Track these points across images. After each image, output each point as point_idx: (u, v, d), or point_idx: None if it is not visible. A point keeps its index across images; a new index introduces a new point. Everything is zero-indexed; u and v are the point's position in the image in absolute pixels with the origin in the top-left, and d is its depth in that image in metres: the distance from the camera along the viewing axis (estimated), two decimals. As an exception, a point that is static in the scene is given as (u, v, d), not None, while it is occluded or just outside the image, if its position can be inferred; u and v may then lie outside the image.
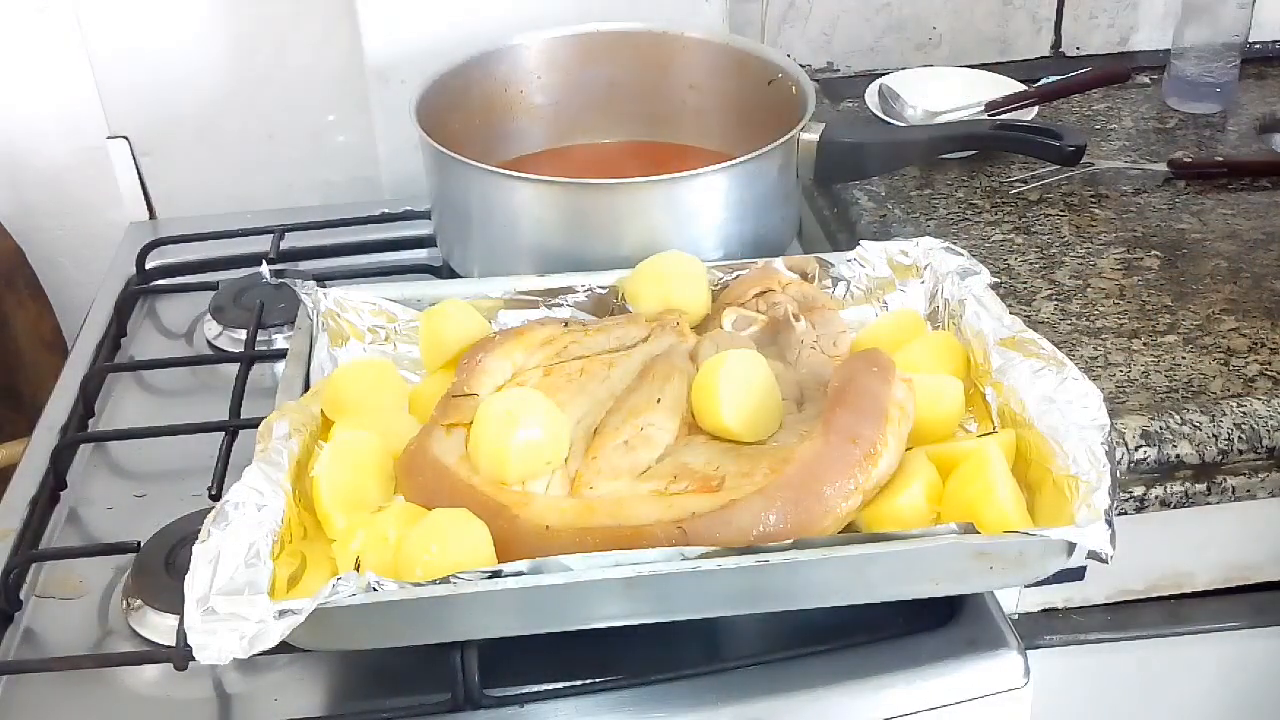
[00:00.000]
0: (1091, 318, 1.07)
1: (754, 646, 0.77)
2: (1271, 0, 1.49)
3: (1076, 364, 0.80)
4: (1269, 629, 1.07)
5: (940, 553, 0.69)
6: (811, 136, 1.06)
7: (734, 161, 1.01)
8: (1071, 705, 1.10)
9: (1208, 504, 0.96)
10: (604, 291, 0.98)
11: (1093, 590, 1.05)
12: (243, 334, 1.07)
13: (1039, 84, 1.40)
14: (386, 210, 1.25)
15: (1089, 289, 1.10)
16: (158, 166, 1.31)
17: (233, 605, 0.65)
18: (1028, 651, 0.78)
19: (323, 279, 1.04)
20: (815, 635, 0.77)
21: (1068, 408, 0.77)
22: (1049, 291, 1.10)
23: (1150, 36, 1.52)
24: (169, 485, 0.93)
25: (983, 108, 1.35)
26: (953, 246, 0.96)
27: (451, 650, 0.72)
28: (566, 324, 0.92)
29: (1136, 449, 0.93)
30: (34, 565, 0.86)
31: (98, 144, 1.28)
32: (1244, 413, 0.95)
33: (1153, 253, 1.16)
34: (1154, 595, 1.06)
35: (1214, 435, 0.94)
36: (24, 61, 1.23)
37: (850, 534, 0.73)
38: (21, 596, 0.84)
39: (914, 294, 0.97)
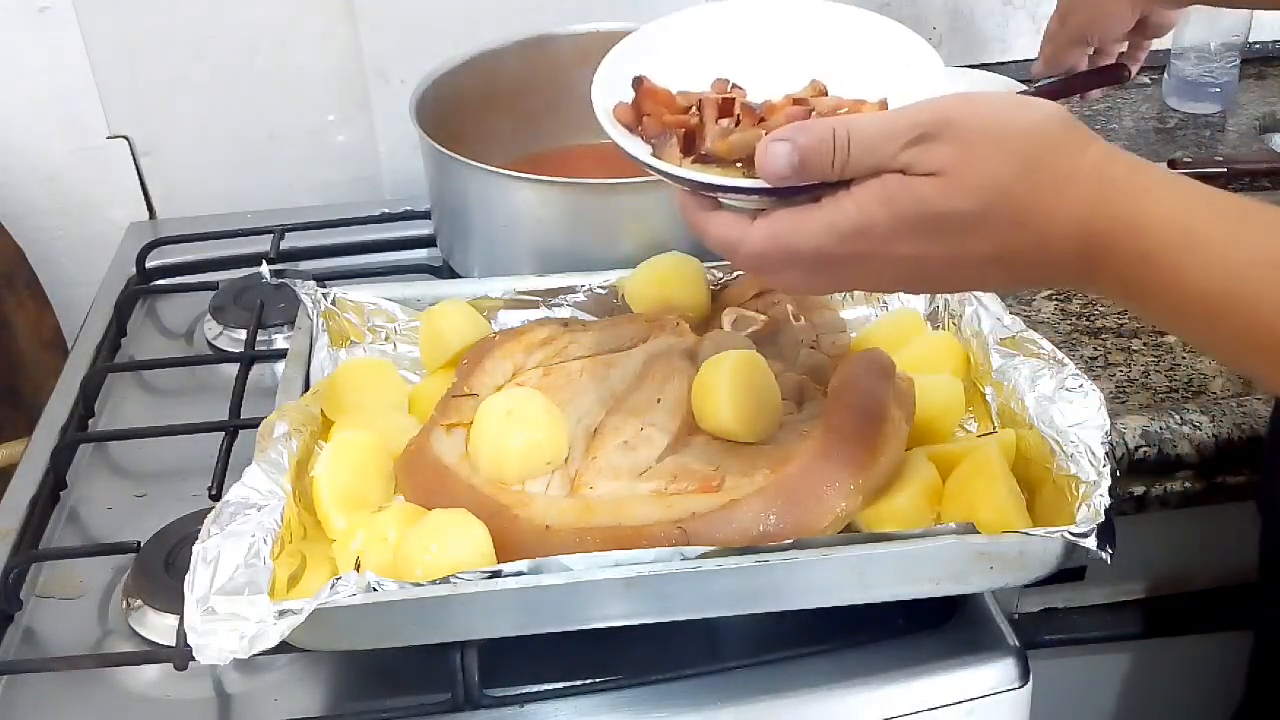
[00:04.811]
0: (1091, 318, 1.07)
1: (754, 646, 0.77)
2: (1271, 0, 1.49)
3: (1076, 364, 0.80)
4: (1269, 629, 1.07)
5: (940, 553, 0.69)
6: (811, 136, 1.06)
7: (734, 161, 1.01)
8: (1071, 705, 1.10)
9: (1208, 504, 0.96)
10: (604, 291, 0.98)
11: (1093, 590, 1.05)
12: (243, 334, 1.07)
13: (1039, 84, 1.40)
14: (386, 210, 1.25)
15: (1089, 289, 1.10)
16: (158, 166, 1.30)
17: (233, 605, 0.65)
18: (1027, 651, 0.78)
19: (323, 279, 1.04)
20: (815, 635, 0.77)
21: (1067, 408, 0.77)
22: (1049, 291, 1.10)
23: (1150, 36, 1.52)
24: (169, 485, 0.93)
25: (983, 108, 1.34)
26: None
27: (451, 650, 0.72)
28: (566, 324, 0.92)
29: (1136, 449, 0.93)
30: (34, 565, 0.86)
31: (98, 144, 1.28)
32: (1244, 413, 0.95)
33: (1153, 253, 1.15)
34: (1154, 595, 1.06)
35: (1214, 435, 0.94)
36: (24, 61, 1.23)
37: (850, 534, 0.73)
38: (21, 596, 0.84)
39: (914, 294, 0.97)
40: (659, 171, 0.66)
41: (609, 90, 0.71)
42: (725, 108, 0.68)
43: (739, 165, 0.64)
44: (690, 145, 0.67)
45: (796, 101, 0.69)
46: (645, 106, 0.70)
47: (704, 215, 0.64)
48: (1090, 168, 0.57)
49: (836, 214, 0.59)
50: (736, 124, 0.67)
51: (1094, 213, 0.56)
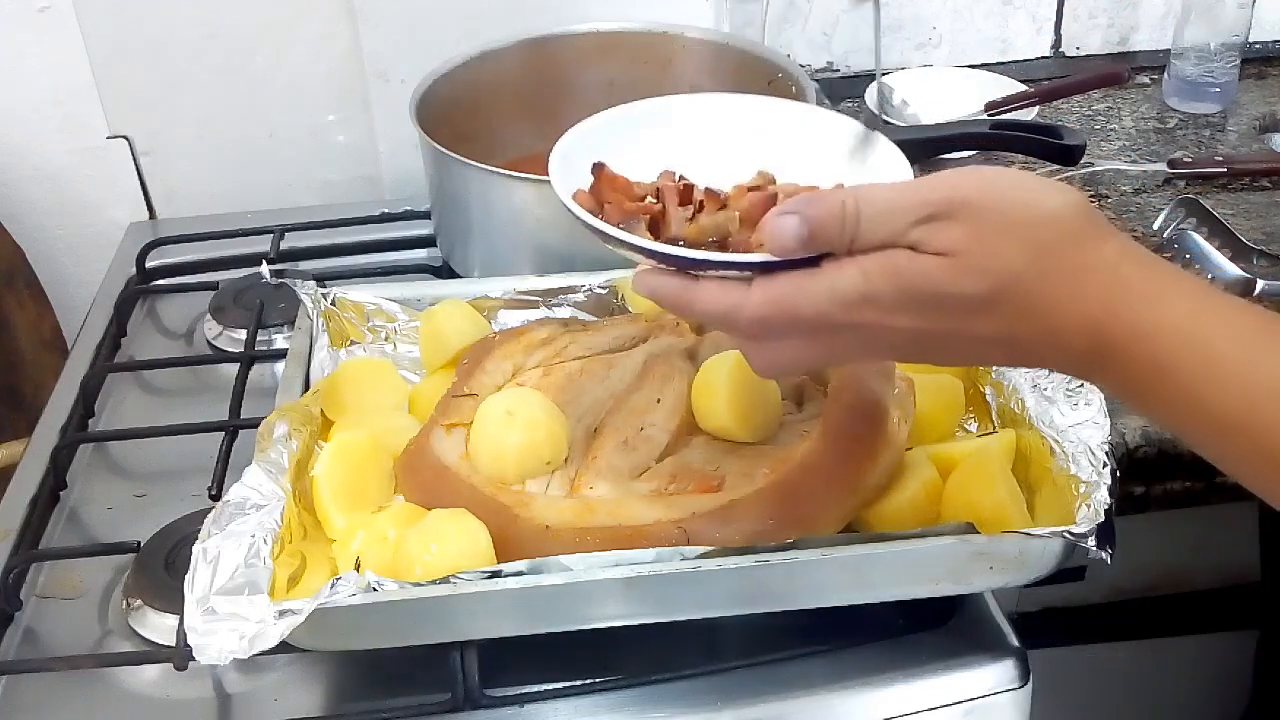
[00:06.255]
0: (1091, 318, 1.07)
1: (754, 646, 0.77)
2: (1271, 0, 1.49)
3: (1076, 364, 0.80)
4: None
5: (940, 553, 0.69)
6: (811, 136, 1.06)
7: (734, 161, 1.00)
8: (1071, 705, 1.10)
9: (1208, 504, 0.96)
10: (604, 291, 0.98)
11: (1093, 590, 1.05)
12: (243, 334, 1.07)
13: (1039, 84, 1.40)
14: (386, 210, 1.25)
15: (1089, 289, 1.10)
16: (158, 166, 1.30)
17: (233, 605, 0.65)
18: (1028, 651, 0.78)
19: (323, 279, 1.04)
20: (815, 635, 0.77)
21: (1068, 408, 0.77)
22: (1049, 291, 1.10)
23: (1150, 36, 1.52)
24: (169, 485, 0.93)
25: (983, 108, 1.35)
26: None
27: (451, 650, 0.72)
28: (566, 324, 0.92)
29: (1136, 449, 0.93)
30: (34, 565, 0.86)
31: (98, 144, 1.28)
32: (1244, 413, 0.95)
33: (1153, 253, 1.15)
34: (1154, 595, 1.06)
35: (1214, 435, 0.94)
36: (24, 61, 1.23)
37: (850, 534, 0.73)
38: (21, 596, 0.84)
39: (914, 294, 0.97)
40: (648, 251, 0.62)
41: (565, 180, 0.70)
42: (685, 195, 0.67)
43: (709, 245, 0.63)
44: (655, 231, 0.66)
45: (752, 188, 0.67)
46: (605, 194, 0.69)
47: (690, 288, 0.61)
48: (1105, 264, 0.55)
49: (840, 279, 0.57)
50: (699, 208, 0.66)
51: (1106, 312, 0.55)
